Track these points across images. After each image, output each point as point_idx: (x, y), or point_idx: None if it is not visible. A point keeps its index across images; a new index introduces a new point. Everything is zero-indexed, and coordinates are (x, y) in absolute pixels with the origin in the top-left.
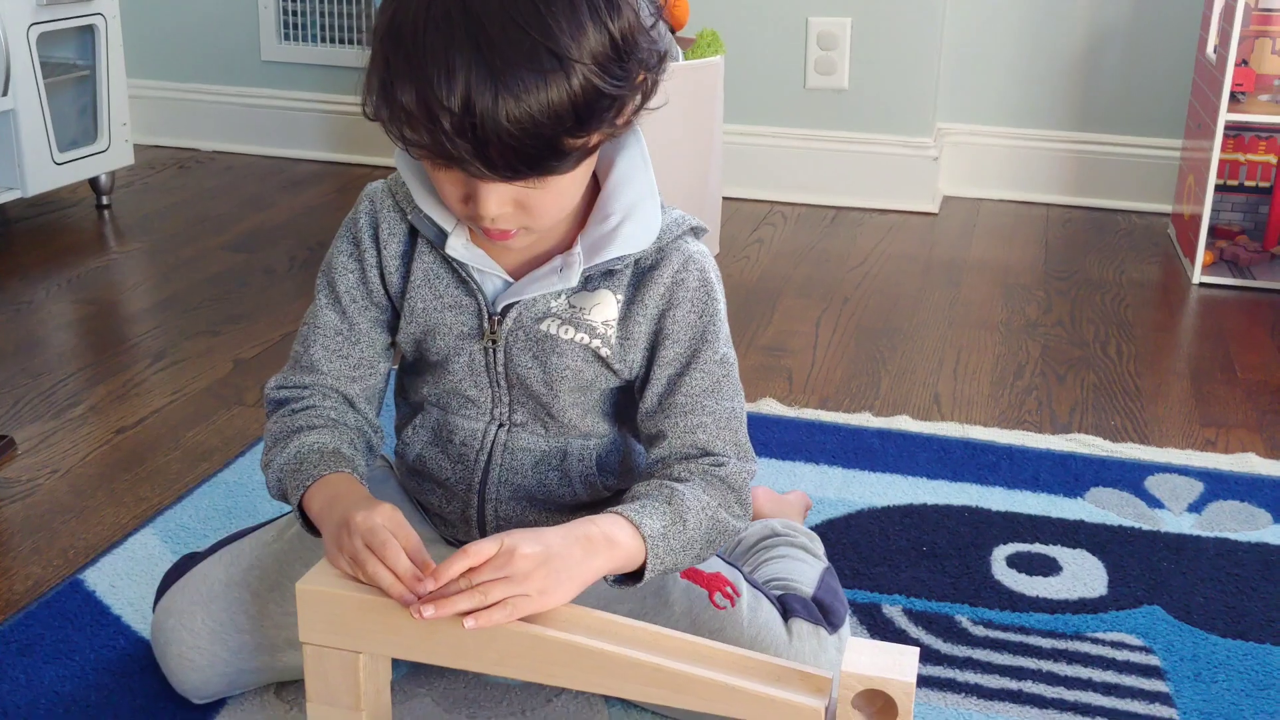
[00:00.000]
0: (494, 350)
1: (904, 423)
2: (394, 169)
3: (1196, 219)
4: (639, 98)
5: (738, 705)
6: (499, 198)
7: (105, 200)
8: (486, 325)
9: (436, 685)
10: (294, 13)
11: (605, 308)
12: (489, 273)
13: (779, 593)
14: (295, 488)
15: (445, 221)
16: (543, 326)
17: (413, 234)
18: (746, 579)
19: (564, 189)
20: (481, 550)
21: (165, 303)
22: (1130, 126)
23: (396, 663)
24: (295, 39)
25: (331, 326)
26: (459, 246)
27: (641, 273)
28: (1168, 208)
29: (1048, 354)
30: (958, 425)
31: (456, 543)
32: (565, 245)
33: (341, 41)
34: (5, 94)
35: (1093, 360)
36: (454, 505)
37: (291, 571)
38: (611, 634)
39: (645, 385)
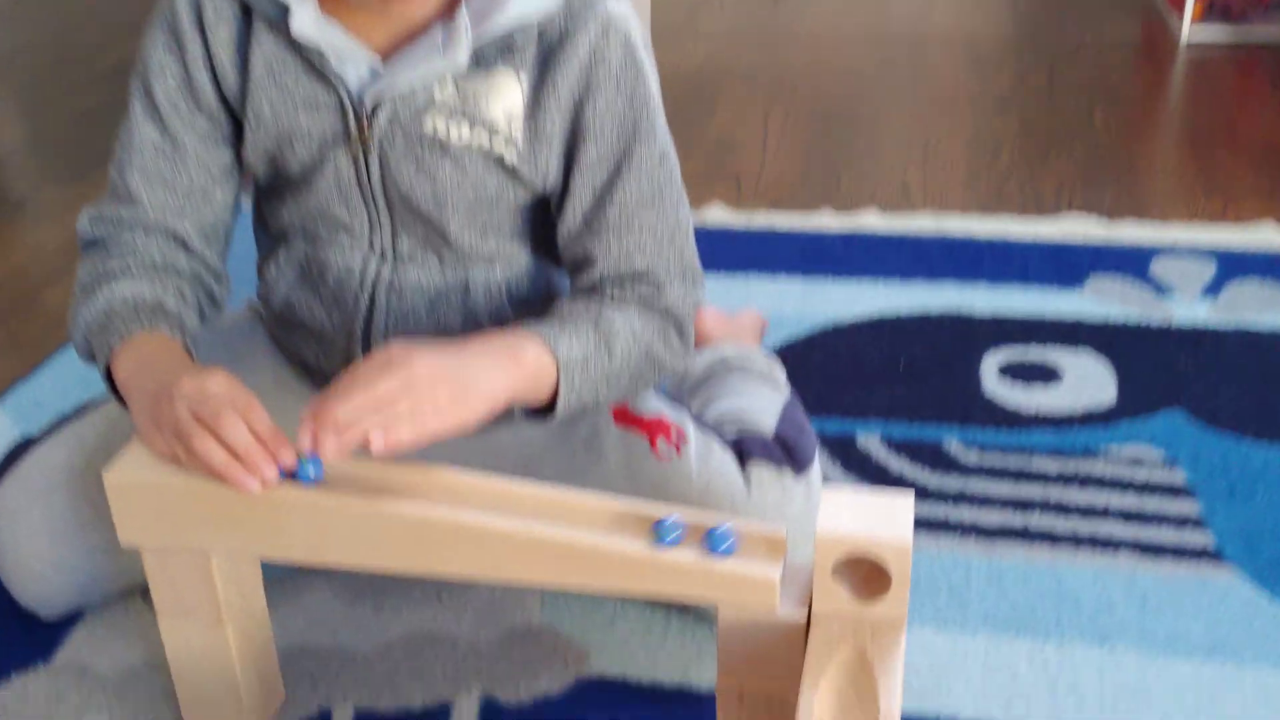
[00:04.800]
0: (365, 160)
1: (870, 221)
2: None
3: None
4: None
5: (669, 582)
6: None
7: None
8: (353, 127)
9: (335, 576)
10: None
11: (506, 93)
12: (350, 57)
13: (734, 433)
14: (101, 348)
15: None
16: (427, 125)
17: (246, 14)
18: (694, 420)
19: None
20: (370, 367)
21: (25, 145)
22: None
23: None
24: None
25: (150, 144)
26: (308, 23)
27: (549, 47)
28: None
29: (1026, 129)
30: (931, 218)
31: None
32: (448, 11)
33: None
34: None
35: (1077, 132)
36: (333, 360)
37: None
38: (508, 505)
39: (565, 197)
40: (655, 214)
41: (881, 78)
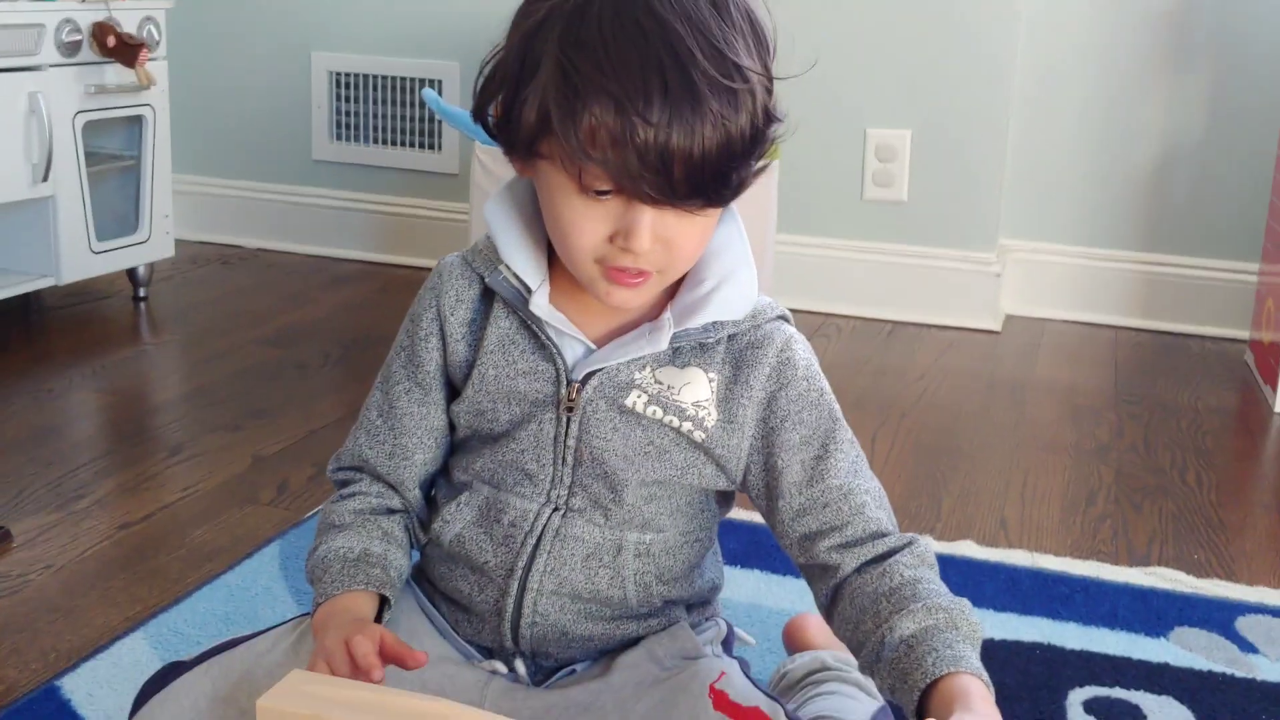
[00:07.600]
0: (568, 421)
1: (968, 549)
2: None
3: (1277, 346)
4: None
5: None
6: (653, 231)
7: (142, 292)
8: (564, 392)
9: None
10: (346, 113)
11: (697, 387)
12: (570, 335)
13: None
14: (317, 595)
15: (532, 277)
16: (627, 400)
17: (485, 299)
18: (788, 714)
19: (707, 229)
20: None
21: (191, 395)
22: (1203, 247)
23: None
24: (346, 139)
25: (378, 411)
26: (543, 305)
27: (739, 351)
28: (1245, 333)
29: (1121, 480)
30: (1026, 553)
31: (481, 650)
32: (654, 315)
33: (391, 143)
34: (45, 180)
35: (1170, 489)
36: (488, 594)
37: None
38: None
39: (776, 478)
40: (865, 480)
41: (984, 417)
